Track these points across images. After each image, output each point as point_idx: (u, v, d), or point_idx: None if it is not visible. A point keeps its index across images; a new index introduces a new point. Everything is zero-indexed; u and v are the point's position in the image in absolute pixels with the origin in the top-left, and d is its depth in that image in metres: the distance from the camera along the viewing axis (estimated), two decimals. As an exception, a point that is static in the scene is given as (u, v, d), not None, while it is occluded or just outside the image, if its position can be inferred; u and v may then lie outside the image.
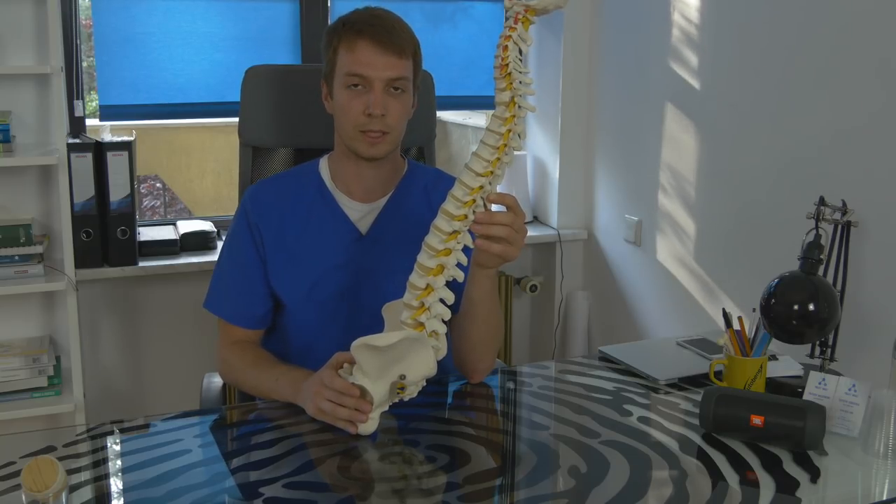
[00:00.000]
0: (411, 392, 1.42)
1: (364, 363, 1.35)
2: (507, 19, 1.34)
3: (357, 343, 1.33)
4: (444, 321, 1.40)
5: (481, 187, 1.36)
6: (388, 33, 1.53)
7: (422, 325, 1.37)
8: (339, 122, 1.60)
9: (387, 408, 1.43)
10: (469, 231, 1.39)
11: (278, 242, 1.63)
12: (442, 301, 1.39)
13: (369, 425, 1.38)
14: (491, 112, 1.38)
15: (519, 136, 1.37)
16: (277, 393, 1.53)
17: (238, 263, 1.66)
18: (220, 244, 2.81)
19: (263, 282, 1.64)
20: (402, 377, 1.37)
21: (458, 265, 1.39)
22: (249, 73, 1.91)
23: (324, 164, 1.68)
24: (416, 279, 1.37)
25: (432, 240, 1.37)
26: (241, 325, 1.66)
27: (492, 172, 1.36)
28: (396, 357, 1.35)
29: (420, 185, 1.68)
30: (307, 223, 1.64)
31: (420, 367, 1.37)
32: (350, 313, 1.62)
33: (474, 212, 1.37)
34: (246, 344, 1.66)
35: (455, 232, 1.37)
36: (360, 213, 1.65)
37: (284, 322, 1.67)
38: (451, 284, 1.39)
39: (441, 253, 1.37)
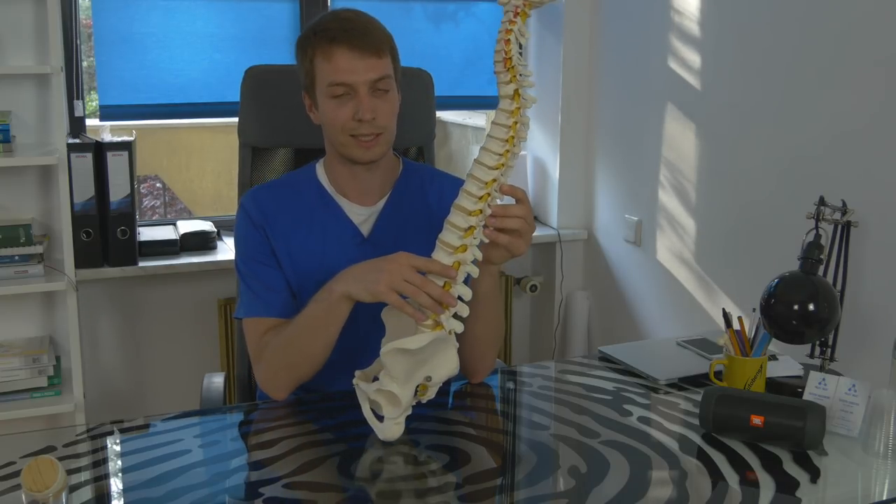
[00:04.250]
0: (430, 394, 1.41)
1: (393, 368, 1.33)
2: (505, 13, 1.34)
3: (388, 348, 1.31)
4: (461, 319, 1.38)
5: (494, 180, 1.36)
6: (363, 35, 1.51)
7: (440, 324, 1.35)
8: (329, 131, 1.58)
9: (411, 411, 1.40)
10: None
11: (283, 248, 1.62)
12: (459, 298, 1.38)
13: (395, 430, 1.36)
14: (492, 112, 1.37)
15: (525, 125, 1.37)
16: (317, 307, 1.45)
17: (257, 261, 1.62)
18: (220, 244, 2.81)
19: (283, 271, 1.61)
20: (428, 379, 1.36)
21: (474, 261, 1.39)
22: (249, 72, 1.91)
23: (320, 170, 1.66)
24: (434, 278, 1.35)
25: (449, 237, 1.36)
26: (271, 314, 1.60)
27: (504, 164, 1.36)
28: (424, 358, 1.34)
29: (416, 185, 1.68)
30: (311, 229, 1.62)
31: (444, 366, 1.36)
32: (353, 316, 1.61)
33: (489, 206, 1.37)
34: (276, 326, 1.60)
35: (471, 227, 1.36)
36: (363, 216, 1.64)
37: None
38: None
39: (458, 249, 1.36)
